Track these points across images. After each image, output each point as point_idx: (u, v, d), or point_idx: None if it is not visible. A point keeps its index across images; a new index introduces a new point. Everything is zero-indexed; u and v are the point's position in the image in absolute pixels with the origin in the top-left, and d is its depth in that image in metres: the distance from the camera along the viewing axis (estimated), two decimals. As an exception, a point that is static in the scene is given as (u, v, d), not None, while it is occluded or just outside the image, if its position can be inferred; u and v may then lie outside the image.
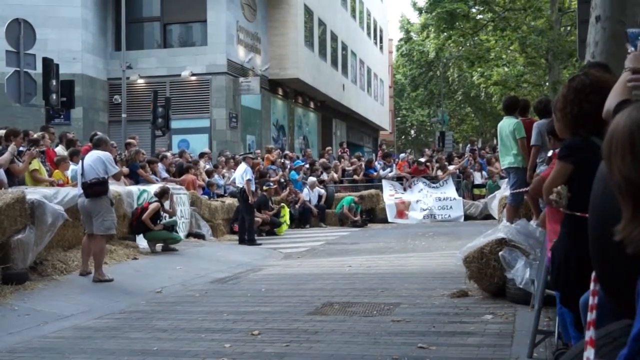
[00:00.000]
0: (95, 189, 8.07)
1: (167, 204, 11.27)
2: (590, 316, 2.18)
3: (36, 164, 9.90)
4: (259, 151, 20.17)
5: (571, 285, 2.76)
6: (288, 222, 16.21)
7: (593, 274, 2.30)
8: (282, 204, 16.29)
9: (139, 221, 10.72)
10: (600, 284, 2.23)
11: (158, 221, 10.90)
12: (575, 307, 2.80)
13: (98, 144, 8.65)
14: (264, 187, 15.47)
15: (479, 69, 35.97)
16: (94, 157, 8.32)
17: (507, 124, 8.18)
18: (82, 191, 8.16)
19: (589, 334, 2.11)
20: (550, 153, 4.88)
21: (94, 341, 5.59)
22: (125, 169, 12.47)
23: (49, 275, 8.03)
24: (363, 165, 20.48)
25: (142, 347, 5.32)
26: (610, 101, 2.71)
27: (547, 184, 3.25)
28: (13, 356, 5.18)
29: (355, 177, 20.05)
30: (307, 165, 19.55)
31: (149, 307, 7.18)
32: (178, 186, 13.19)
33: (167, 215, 11.37)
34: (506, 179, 9.47)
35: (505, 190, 9.32)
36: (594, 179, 2.19)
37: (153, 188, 11.90)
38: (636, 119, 1.46)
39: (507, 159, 8.15)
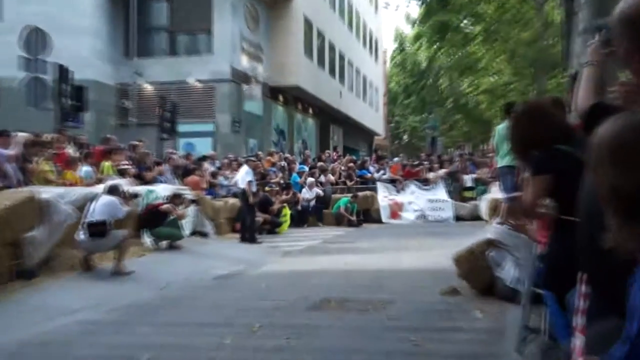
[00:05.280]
0: (99, 228, 8.22)
1: (180, 208, 11.15)
2: (576, 320, 2.11)
3: (46, 165, 9.83)
4: (260, 153, 20.09)
5: (565, 287, 2.69)
6: (289, 221, 16.14)
7: (580, 275, 2.23)
8: (285, 204, 16.23)
9: (150, 213, 10.65)
10: (590, 284, 2.18)
11: (165, 221, 10.83)
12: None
13: (112, 192, 8.81)
14: (266, 188, 15.39)
15: (468, 78, 35.98)
16: (106, 200, 8.49)
17: (506, 126, 8.11)
18: (83, 230, 8.19)
19: (577, 340, 2.04)
20: None
21: (101, 335, 5.52)
22: (133, 170, 12.41)
23: (58, 271, 7.97)
24: (356, 171, 20.27)
25: (147, 341, 5.25)
26: (582, 101, 2.63)
27: (529, 202, 3.08)
28: (23, 349, 5.12)
29: (348, 182, 19.69)
30: (307, 169, 19.49)
31: (154, 302, 7.11)
32: (184, 187, 13.12)
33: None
34: (497, 182, 9.39)
35: (494, 193, 9.26)
36: (582, 183, 2.13)
37: (160, 188, 11.83)
38: (618, 132, 1.45)
39: (505, 159, 8.03)
